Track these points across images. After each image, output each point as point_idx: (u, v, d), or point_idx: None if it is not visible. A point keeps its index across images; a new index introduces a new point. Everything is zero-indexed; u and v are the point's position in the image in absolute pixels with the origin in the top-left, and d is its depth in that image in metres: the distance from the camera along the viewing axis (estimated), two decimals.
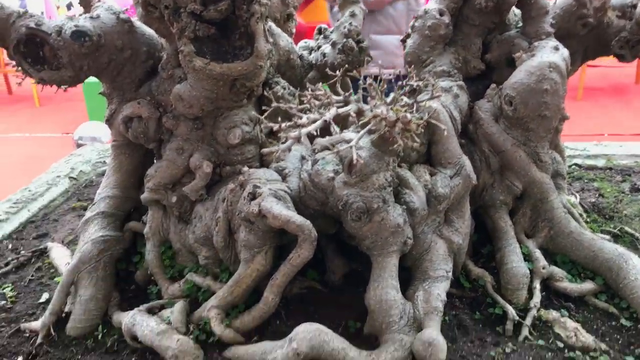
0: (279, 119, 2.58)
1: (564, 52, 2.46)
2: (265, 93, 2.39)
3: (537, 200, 2.56)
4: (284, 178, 2.35)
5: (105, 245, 2.53)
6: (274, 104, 1.93)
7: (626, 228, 2.88)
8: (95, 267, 2.49)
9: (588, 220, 2.96)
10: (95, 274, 2.48)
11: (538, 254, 2.49)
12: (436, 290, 2.22)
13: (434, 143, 2.38)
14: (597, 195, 3.29)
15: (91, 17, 2.32)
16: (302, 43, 2.92)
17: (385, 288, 2.18)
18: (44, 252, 3.09)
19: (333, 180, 2.23)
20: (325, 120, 1.70)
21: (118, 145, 2.66)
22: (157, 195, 2.51)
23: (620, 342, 2.24)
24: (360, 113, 1.86)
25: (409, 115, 1.64)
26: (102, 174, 4.02)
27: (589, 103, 7.04)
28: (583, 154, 3.76)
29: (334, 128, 1.70)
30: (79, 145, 6.26)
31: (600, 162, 3.67)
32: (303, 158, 2.44)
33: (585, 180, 3.49)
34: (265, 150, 1.81)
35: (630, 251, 2.55)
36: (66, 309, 2.48)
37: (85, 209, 3.53)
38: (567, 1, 2.63)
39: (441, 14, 2.55)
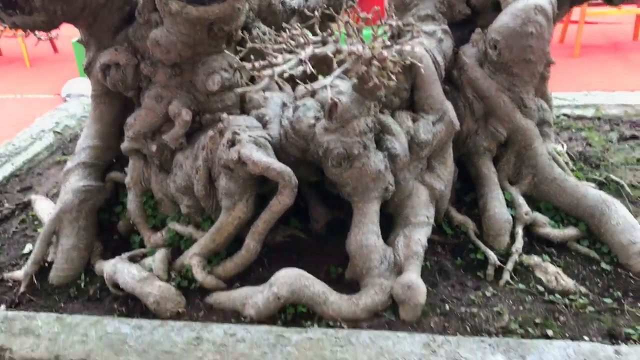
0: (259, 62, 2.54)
1: None
2: (246, 34, 2.34)
3: (521, 146, 2.53)
4: (264, 125, 2.32)
5: (86, 195, 2.52)
6: (249, 45, 1.88)
7: (611, 176, 2.86)
8: (76, 217, 2.47)
9: (574, 168, 2.94)
10: (76, 224, 2.47)
11: (521, 200, 2.48)
12: (417, 236, 2.22)
13: (416, 89, 2.34)
14: (584, 145, 3.27)
15: None
16: None
17: (365, 234, 2.18)
18: (27, 205, 3.07)
19: (314, 126, 2.20)
20: (301, 60, 1.66)
21: (97, 94, 2.61)
22: (136, 145, 2.48)
23: (599, 285, 2.26)
24: (338, 53, 1.81)
25: (385, 52, 1.60)
26: None
27: (586, 60, 6.97)
28: (572, 104, 3.73)
29: (309, 68, 1.66)
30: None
31: (589, 112, 3.64)
32: (284, 105, 2.40)
33: (573, 130, 3.46)
34: (239, 89, 1.77)
35: (614, 198, 2.55)
36: (49, 259, 2.49)
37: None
38: None
39: None
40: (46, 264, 2.47)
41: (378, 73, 1.79)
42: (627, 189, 2.79)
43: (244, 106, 2.48)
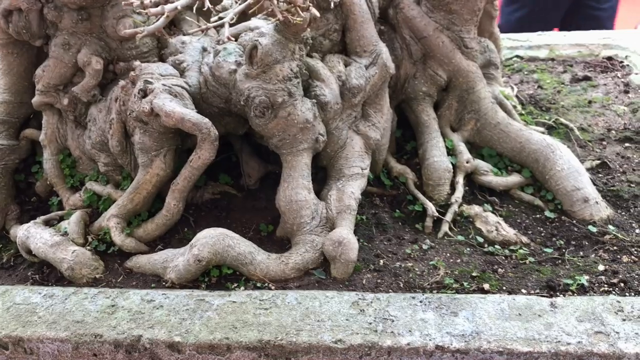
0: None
1: None
2: None
3: (463, 90, 2.39)
4: (182, 73, 2.13)
5: None
6: None
7: (561, 119, 2.75)
8: None
9: (523, 112, 2.82)
10: None
11: (462, 147, 2.36)
12: (349, 189, 2.09)
13: (347, 29, 2.16)
14: (535, 87, 3.14)
15: None
16: None
17: (295, 188, 2.04)
18: None
19: (235, 73, 2.02)
20: None
21: (4, 43, 2.37)
22: (48, 98, 2.28)
23: (542, 234, 2.17)
24: None
25: None
26: None
27: None
28: (525, 45, 3.57)
29: (207, 3, 1.47)
30: None
31: (543, 53, 3.50)
32: (204, 50, 2.21)
33: (525, 72, 3.32)
34: (128, 31, 1.58)
35: (563, 143, 2.44)
36: None
37: None
38: None
39: None
40: None
41: (284, 8, 1.61)
42: (577, 132, 2.69)
43: (161, 53, 2.28)
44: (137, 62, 2.08)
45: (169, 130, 2.02)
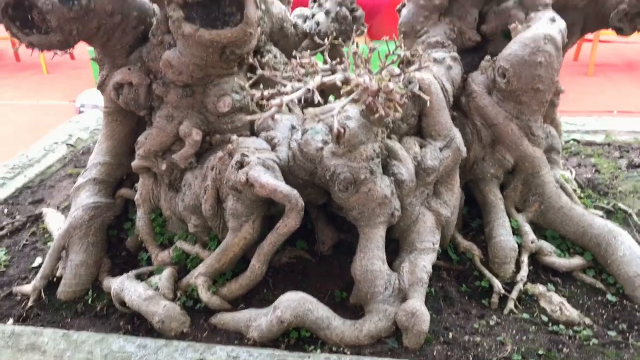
0: (268, 87, 2.57)
1: (561, 23, 2.41)
2: (256, 61, 2.37)
3: (529, 174, 2.54)
4: (273, 147, 2.34)
5: (96, 211, 2.55)
6: (259, 71, 1.91)
7: (619, 204, 2.86)
8: (86, 233, 2.51)
9: (582, 195, 2.95)
10: (86, 240, 2.50)
11: (527, 228, 2.49)
12: (422, 262, 2.23)
13: (424, 115, 2.36)
14: (593, 171, 3.26)
15: None
16: (297, 11, 2.88)
17: (371, 259, 2.19)
18: (39, 218, 3.11)
19: (322, 150, 2.22)
20: (309, 89, 1.68)
21: (110, 111, 2.66)
22: (147, 163, 2.51)
23: (604, 317, 2.25)
24: (346, 82, 1.84)
25: (391, 85, 1.62)
26: None
27: (600, 79, 6.98)
28: (582, 129, 3.72)
29: (317, 97, 1.69)
30: (80, 113, 6.27)
31: (599, 138, 3.64)
32: (293, 127, 2.42)
33: (583, 156, 3.46)
34: (248, 117, 1.80)
35: (622, 227, 2.54)
36: (57, 274, 2.51)
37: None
38: None
39: None
40: (54, 279, 2.49)
41: (385, 104, 1.81)
42: (635, 218, 2.78)
43: (253, 127, 2.51)
44: (234, 136, 2.30)
45: (259, 198, 2.22)
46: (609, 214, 2.82)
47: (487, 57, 2.53)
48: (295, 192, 2.12)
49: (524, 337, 2.13)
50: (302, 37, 2.77)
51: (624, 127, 3.69)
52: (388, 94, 1.64)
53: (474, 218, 2.65)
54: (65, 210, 3.17)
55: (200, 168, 2.43)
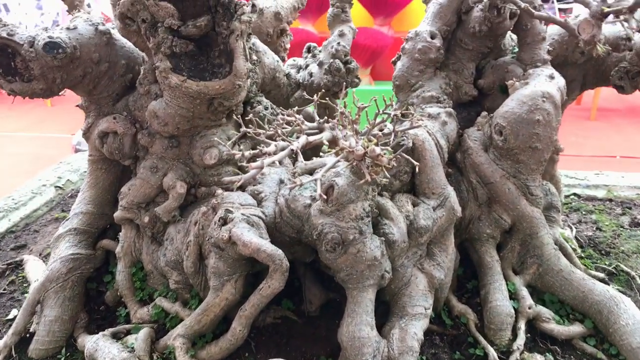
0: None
1: (560, 81, 2.34)
2: (239, 118, 2.31)
3: (527, 235, 2.44)
4: (259, 202, 2.25)
5: (74, 263, 2.45)
6: (242, 129, 1.83)
7: (622, 266, 2.75)
8: (62, 287, 2.40)
9: (582, 255, 2.84)
10: (62, 294, 2.39)
11: (525, 292, 2.37)
12: (413, 329, 2.11)
13: (418, 172, 2.27)
14: (594, 229, 3.15)
15: (68, 29, 2.25)
16: (290, 61, 2.82)
17: (359, 325, 2.06)
18: (19, 265, 3.00)
19: (309, 207, 2.13)
20: (292, 150, 1.60)
21: (95, 159, 2.58)
22: (129, 214, 2.42)
23: None
24: (334, 142, 1.75)
25: (377, 149, 1.54)
26: None
27: (602, 123, 6.95)
28: (582, 184, 3.63)
29: (301, 159, 1.60)
30: (77, 151, 6.21)
31: (601, 193, 3.54)
32: (281, 182, 2.33)
33: (583, 212, 3.35)
34: (226, 178, 1.70)
35: (624, 291, 2.43)
36: (31, 329, 2.39)
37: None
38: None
39: (432, 37, 2.44)
40: (27, 335, 2.37)
41: (372, 168, 1.73)
42: (639, 281, 2.66)
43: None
44: (219, 191, 2.21)
45: (242, 257, 2.11)
46: (611, 276, 2.70)
47: (484, 113, 2.45)
48: (279, 252, 2.02)
49: None
50: (295, 88, 2.71)
51: (626, 183, 3.59)
52: (374, 159, 1.56)
53: (469, 279, 2.54)
54: (47, 257, 3.07)
55: (184, 222, 2.33)
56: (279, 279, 2.03)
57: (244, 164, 1.60)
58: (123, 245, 2.48)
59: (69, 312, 2.38)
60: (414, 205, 2.26)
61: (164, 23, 2.05)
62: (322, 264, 2.30)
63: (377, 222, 2.17)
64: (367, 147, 1.54)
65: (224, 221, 2.10)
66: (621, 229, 3.16)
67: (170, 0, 1.96)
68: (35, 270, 2.86)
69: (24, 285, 2.85)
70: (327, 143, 1.74)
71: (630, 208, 3.39)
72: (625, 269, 2.73)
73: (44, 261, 2.99)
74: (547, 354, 2.24)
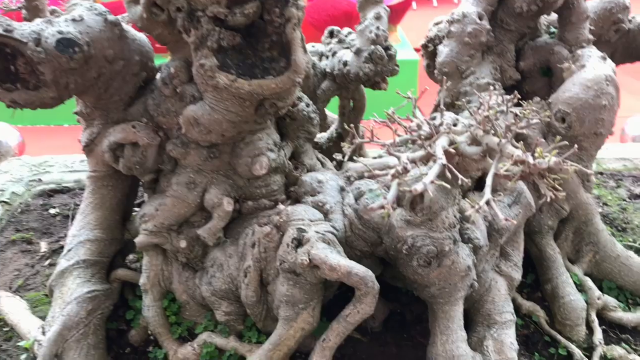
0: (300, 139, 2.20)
1: (610, 62, 2.26)
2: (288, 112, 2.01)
3: (581, 222, 2.36)
4: (325, 215, 1.97)
5: (93, 303, 2.04)
6: (357, 140, 1.55)
7: None
8: (84, 334, 1.99)
9: None
10: (85, 342, 1.99)
11: (590, 282, 2.30)
12: (508, 339, 1.96)
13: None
14: (601, 204, 3.17)
15: (73, 20, 1.80)
16: (308, 47, 2.52)
17: (455, 342, 1.88)
18: None
19: (388, 217, 1.89)
20: (443, 165, 1.36)
21: (100, 176, 2.15)
22: (157, 239, 2.04)
23: None
24: (491, 151, 1.51)
25: (556, 159, 1.33)
26: (39, 194, 3.41)
27: None
28: None
29: (455, 172, 1.36)
30: None
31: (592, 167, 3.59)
32: (342, 189, 2.06)
33: None
34: (374, 206, 1.39)
35: None
36: None
37: (29, 242, 2.94)
38: (601, 6, 2.44)
39: (480, 18, 2.26)
40: None
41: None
42: None
43: (288, 190, 2.13)
44: (281, 206, 1.91)
45: (321, 281, 1.84)
46: (638, 253, 2.71)
47: (536, 98, 2.31)
48: (370, 273, 1.77)
49: None
50: (321, 78, 2.42)
51: (612, 155, 3.66)
52: (556, 171, 1.36)
53: (525, 273, 2.42)
54: (20, 290, 2.58)
55: (233, 244, 2.00)
56: (370, 303, 1.79)
57: (394, 172, 1.33)
58: (149, 276, 2.10)
59: None
60: (487, 204, 2.08)
61: (206, 11, 1.70)
62: (389, 275, 2.09)
63: (459, 228, 1.97)
64: (545, 158, 1.33)
65: (299, 242, 1.81)
66: (624, 202, 3.20)
67: None
68: (16, 309, 2.38)
69: (4, 329, 2.36)
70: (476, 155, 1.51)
71: (621, 179, 3.46)
72: None
73: (20, 296, 2.50)
74: (624, 344, 2.19)
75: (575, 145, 1.45)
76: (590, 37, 2.34)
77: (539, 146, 1.37)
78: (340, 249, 1.87)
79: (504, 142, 1.40)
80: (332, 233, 1.88)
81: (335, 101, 2.61)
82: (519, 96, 1.74)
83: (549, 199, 1.34)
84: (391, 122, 1.59)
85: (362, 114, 2.63)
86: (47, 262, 2.76)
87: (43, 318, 2.23)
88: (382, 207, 1.33)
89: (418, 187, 1.27)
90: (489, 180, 1.36)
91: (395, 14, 6.50)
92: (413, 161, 1.43)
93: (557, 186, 1.37)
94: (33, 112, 1.86)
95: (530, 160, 1.30)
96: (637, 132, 5.12)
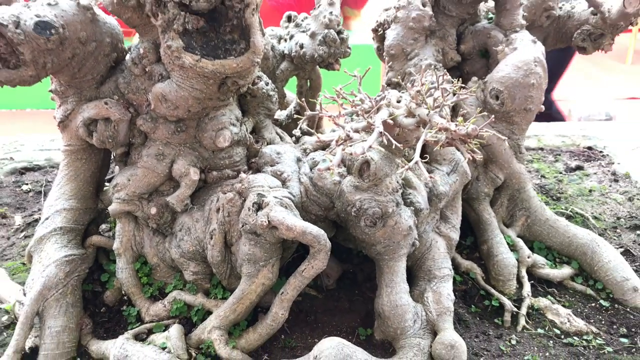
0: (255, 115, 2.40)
1: (540, 45, 2.51)
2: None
3: (515, 190, 2.63)
4: (283, 183, 2.19)
5: (70, 266, 2.22)
6: (308, 112, 1.76)
7: (576, 209, 3.06)
8: (63, 293, 2.17)
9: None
10: (64, 301, 2.17)
11: (521, 243, 2.57)
12: (445, 290, 2.21)
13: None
14: (539, 176, 3.46)
15: (49, 4, 1.96)
16: (268, 30, 2.71)
17: (398, 293, 2.13)
18: None
19: (339, 184, 2.11)
20: (381, 132, 1.58)
21: (74, 150, 2.32)
22: (129, 207, 2.23)
23: (603, 322, 2.39)
24: (422, 124, 1.74)
25: (474, 126, 1.57)
26: (12, 172, 3.54)
27: (638, 67, 7.22)
28: None
29: (389, 138, 1.59)
30: None
31: (533, 143, 3.88)
32: (299, 160, 2.28)
33: (525, 162, 3.64)
34: (321, 166, 1.60)
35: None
36: (29, 344, 2.15)
37: (3, 216, 3.09)
38: None
39: (424, 5, 2.48)
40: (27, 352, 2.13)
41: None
42: (592, 221, 2.99)
43: (249, 161, 2.33)
44: (242, 174, 2.12)
45: (279, 241, 2.06)
46: (569, 219, 3.00)
47: (474, 78, 2.56)
48: (323, 232, 2.00)
49: (547, 353, 2.20)
50: (280, 59, 2.62)
51: (552, 132, 3.96)
52: (473, 137, 1.59)
53: (464, 236, 2.69)
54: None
55: (199, 210, 2.20)
56: (323, 259, 2.02)
57: (345, 150, 1.55)
58: (122, 240, 2.29)
59: (74, 320, 2.17)
60: (429, 172, 2.33)
61: None
62: (341, 237, 2.32)
63: (402, 193, 2.21)
64: (465, 126, 1.56)
65: (259, 206, 2.02)
66: (560, 174, 3.50)
67: None
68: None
69: None
70: (410, 124, 1.73)
71: (559, 154, 3.76)
72: (579, 211, 3.05)
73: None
74: (548, 296, 2.47)
75: (493, 116, 1.67)
76: (523, 22, 2.59)
77: (465, 117, 1.60)
78: (296, 212, 2.09)
79: (432, 113, 1.63)
80: (289, 198, 2.10)
81: (293, 81, 2.82)
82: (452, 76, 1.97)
83: (471, 158, 1.56)
84: (338, 97, 1.81)
85: (318, 93, 2.84)
86: (22, 234, 2.92)
87: (22, 284, 2.40)
88: (329, 168, 1.55)
89: (357, 150, 1.49)
90: (418, 145, 1.59)
91: None
92: (356, 130, 1.66)
93: (476, 149, 1.60)
94: (2, 97, 2.01)
95: (452, 127, 1.53)
96: (583, 114, 5.52)
